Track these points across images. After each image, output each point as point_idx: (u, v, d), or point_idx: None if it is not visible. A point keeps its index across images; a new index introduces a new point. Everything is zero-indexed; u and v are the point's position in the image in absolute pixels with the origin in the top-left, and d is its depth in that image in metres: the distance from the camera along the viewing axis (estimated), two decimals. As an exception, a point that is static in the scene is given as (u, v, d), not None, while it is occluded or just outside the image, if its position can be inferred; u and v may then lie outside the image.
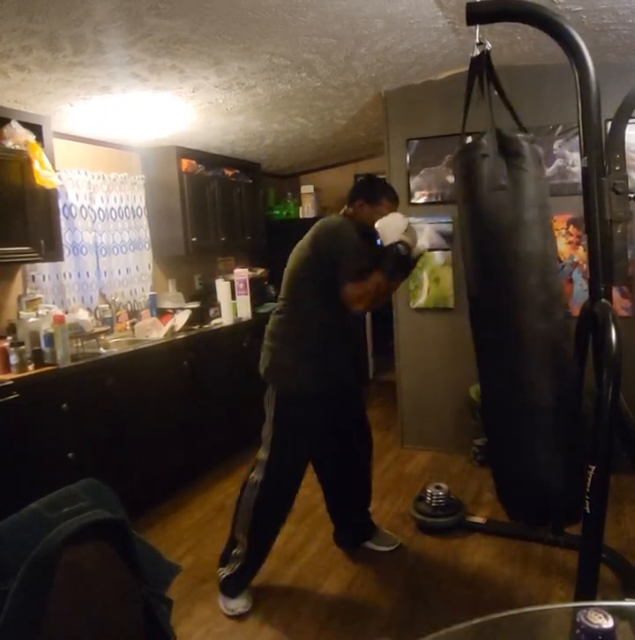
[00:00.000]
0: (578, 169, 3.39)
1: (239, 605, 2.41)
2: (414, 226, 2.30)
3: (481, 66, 2.10)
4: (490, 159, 2.01)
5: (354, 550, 2.82)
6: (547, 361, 2.05)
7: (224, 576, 2.46)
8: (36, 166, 3.02)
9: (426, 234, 3.89)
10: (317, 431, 2.45)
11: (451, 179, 3.81)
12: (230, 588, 2.44)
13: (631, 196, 2.03)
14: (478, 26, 2.03)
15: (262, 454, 2.43)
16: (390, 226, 2.19)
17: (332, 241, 2.29)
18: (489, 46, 2.08)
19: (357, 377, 2.59)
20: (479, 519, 2.99)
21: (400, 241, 2.15)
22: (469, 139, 2.11)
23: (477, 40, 2.05)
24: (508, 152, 2.02)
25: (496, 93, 2.18)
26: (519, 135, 2.05)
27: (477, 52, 2.08)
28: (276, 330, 2.44)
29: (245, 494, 2.46)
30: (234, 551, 2.47)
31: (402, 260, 2.18)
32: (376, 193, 2.41)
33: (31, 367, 2.85)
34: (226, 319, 4.30)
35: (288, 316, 2.40)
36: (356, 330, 2.61)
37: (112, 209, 4.00)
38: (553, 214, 3.51)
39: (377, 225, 2.21)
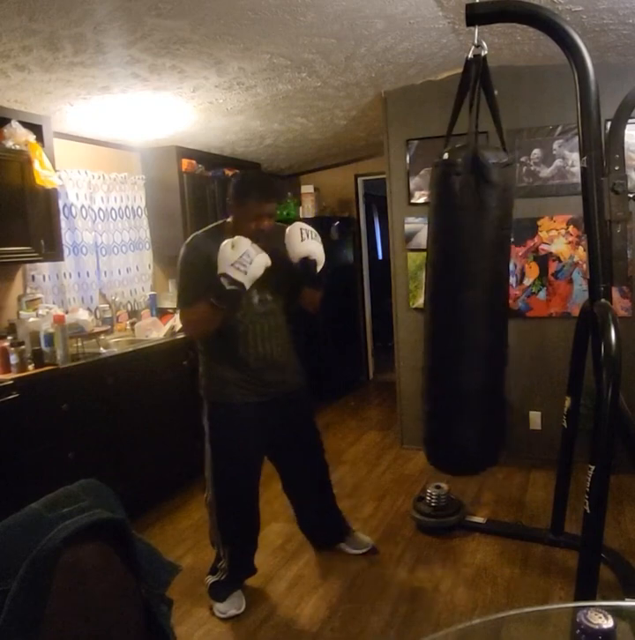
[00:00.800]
0: (577, 169, 3.39)
1: (230, 607, 2.41)
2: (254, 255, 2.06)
3: (477, 72, 2.09)
4: (462, 177, 2.07)
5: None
6: (483, 360, 2.29)
7: (210, 582, 2.52)
8: (36, 166, 3.02)
9: (423, 234, 3.89)
10: (245, 437, 2.38)
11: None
12: (217, 592, 2.47)
13: (631, 196, 2.03)
14: (477, 26, 2.03)
15: (207, 471, 2.46)
16: (221, 254, 2.06)
17: (177, 265, 2.31)
18: (484, 51, 2.07)
19: (289, 385, 2.46)
20: (479, 519, 2.99)
21: (225, 274, 2.04)
22: (446, 155, 2.16)
23: (475, 42, 2.04)
24: (480, 175, 2.06)
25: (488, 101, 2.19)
26: (494, 161, 2.08)
27: (471, 55, 2.08)
28: (199, 344, 2.44)
29: (209, 513, 2.52)
30: (220, 563, 2.52)
31: (226, 294, 2.05)
32: (238, 194, 2.23)
33: (31, 366, 2.85)
34: (226, 319, 4.29)
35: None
36: (288, 336, 2.45)
37: (112, 209, 4.00)
38: (553, 214, 3.56)
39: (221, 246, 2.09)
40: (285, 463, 2.60)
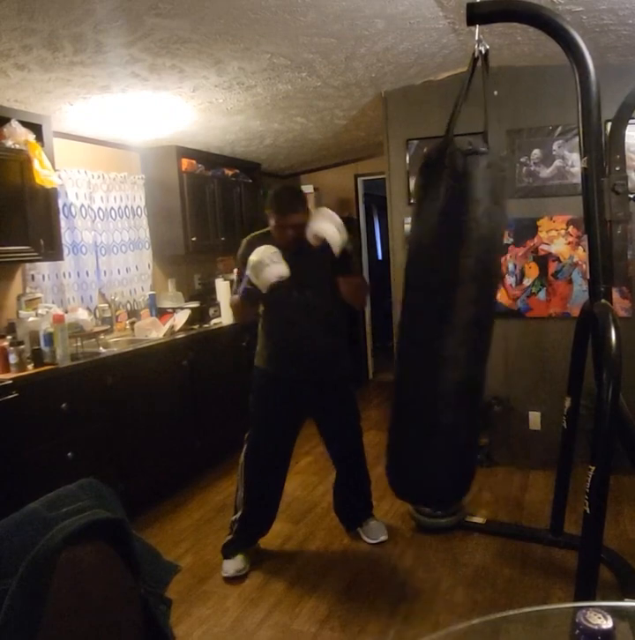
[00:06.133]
0: (577, 170, 3.39)
1: (231, 567, 2.65)
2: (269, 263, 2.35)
3: (483, 65, 2.09)
4: (492, 172, 2.01)
5: (353, 550, 2.83)
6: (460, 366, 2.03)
7: (224, 540, 2.74)
8: (36, 165, 3.02)
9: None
10: (278, 405, 2.66)
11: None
12: (225, 549, 2.71)
13: (631, 196, 2.03)
14: (478, 26, 2.03)
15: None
16: (249, 258, 2.39)
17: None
18: (486, 46, 2.07)
19: (328, 372, 2.68)
20: (479, 519, 2.99)
21: (246, 274, 2.40)
22: (466, 142, 2.12)
23: (477, 37, 2.04)
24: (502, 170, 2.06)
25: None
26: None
27: (477, 53, 2.07)
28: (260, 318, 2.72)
29: (238, 471, 2.78)
30: (233, 517, 2.76)
31: (247, 291, 2.44)
32: (268, 207, 2.53)
33: (30, 366, 2.85)
34: (225, 319, 4.29)
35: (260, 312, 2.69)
36: (329, 329, 2.67)
37: (112, 208, 3.99)
38: (553, 214, 3.56)
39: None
40: (327, 443, 2.84)
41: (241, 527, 2.71)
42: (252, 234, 2.67)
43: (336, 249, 2.40)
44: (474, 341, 2.01)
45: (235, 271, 2.66)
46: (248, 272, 2.38)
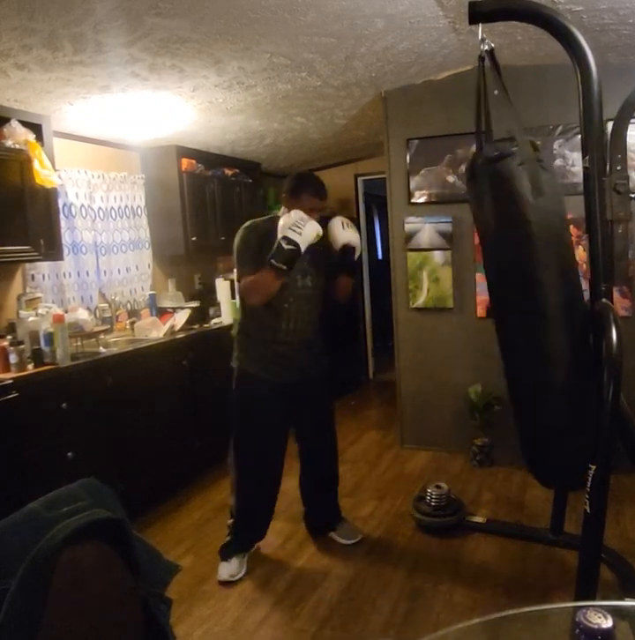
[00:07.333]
0: (578, 169, 3.39)
1: (226, 571, 2.63)
2: (306, 223, 2.36)
3: (492, 63, 2.09)
4: (528, 167, 1.99)
5: (353, 549, 2.83)
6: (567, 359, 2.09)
7: (222, 543, 2.74)
8: (36, 165, 3.01)
9: (426, 233, 3.90)
10: (266, 409, 2.62)
11: (451, 179, 3.80)
12: (223, 551, 2.71)
13: (632, 196, 2.03)
14: (480, 25, 2.03)
15: (232, 434, 2.72)
16: (280, 223, 2.39)
17: (234, 246, 2.61)
18: (490, 45, 2.07)
19: (312, 371, 2.69)
20: (479, 519, 2.98)
21: (283, 237, 2.33)
22: (494, 148, 2.11)
23: (480, 36, 2.04)
24: (538, 160, 2.05)
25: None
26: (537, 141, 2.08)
27: (486, 48, 2.07)
28: (239, 321, 2.75)
29: (230, 473, 2.75)
30: (229, 521, 2.77)
31: (285, 253, 2.33)
32: (296, 188, 2.58)
33: (30, 366, 2.85)
34: (225, 319, 4.30)
35: (242, 312, 2.70)
36: (317, 327, 2.71)
37: (112, 208, 3.99)
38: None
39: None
40: (300, 445, 2.82)
41: (237, 532, 2.73)
42: (252, 221, 2.65)
43: (357, 254, 2.61)
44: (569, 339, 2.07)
45: (236, 258, 2.60)
46: (286, 233, 2.32)
